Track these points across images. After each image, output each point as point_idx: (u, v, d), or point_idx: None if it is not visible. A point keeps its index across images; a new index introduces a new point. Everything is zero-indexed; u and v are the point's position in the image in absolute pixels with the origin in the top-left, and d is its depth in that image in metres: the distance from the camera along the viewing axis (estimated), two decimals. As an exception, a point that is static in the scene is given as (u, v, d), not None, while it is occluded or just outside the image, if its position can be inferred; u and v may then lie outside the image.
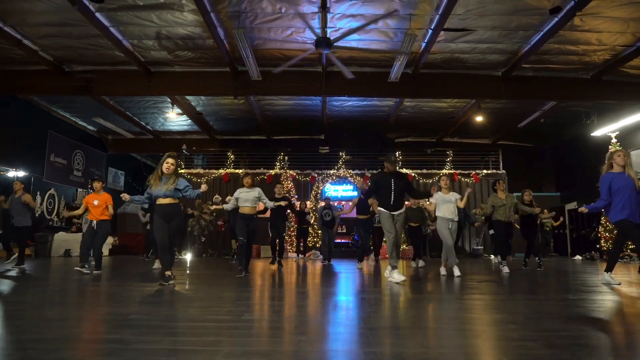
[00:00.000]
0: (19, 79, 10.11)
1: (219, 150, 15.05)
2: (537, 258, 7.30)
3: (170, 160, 4.72)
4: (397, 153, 13.70)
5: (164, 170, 4.66)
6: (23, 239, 7.42)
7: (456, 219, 6.23)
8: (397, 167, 13.53)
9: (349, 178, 13.31)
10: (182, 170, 14.06)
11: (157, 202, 4.68)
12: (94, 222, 6.41)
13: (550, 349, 1.91)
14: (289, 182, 13.44)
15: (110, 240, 11.08)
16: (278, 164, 13.93)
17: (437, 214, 6.24)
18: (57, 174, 12.86)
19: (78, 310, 3.07)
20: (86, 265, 6.13)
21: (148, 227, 8.98)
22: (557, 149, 15.45)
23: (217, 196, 11.29)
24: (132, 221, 13.96)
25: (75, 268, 6.13)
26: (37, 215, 12.16)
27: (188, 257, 10.73)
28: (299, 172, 13.75)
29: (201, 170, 14.42)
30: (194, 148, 14.49)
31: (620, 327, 2.50)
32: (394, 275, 5.03)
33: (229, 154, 14.25)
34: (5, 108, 10.95)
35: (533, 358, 1.78)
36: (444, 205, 6.17)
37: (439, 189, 6.29)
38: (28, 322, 2.54)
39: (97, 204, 6.38)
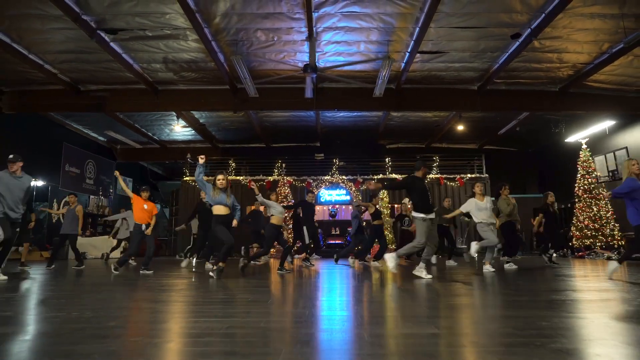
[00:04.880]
0: (38, 98, 11.15)
1: (221, 158, 16.02)
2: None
3: (221, 176, 6.10)
4: (387, 159, 14.61)
5: (219, 185, 6.05)
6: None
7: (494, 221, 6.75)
8: (388, 173, 14.55)
9: (341, 184, 14.27)
10: (187, 178, 15.04)
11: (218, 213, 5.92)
12: (143, 225, 7.04)
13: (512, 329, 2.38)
14: (286, 187, 14.36)
15: (123, 244, 12.06)
16: (276, 170, 14.88)
17: (477, 221, 6.57)
18: (71, 183, 13.87)
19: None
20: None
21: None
22: (539, 153, 16.34)
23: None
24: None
25: (142, 272, 6.68)
26: (53, 221, 13.24)
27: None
28: (295, 178, 14.69)
29: (205, 177, 15.34)
30: (197, 156, 15.46)
31: (574, 314, 2.85)
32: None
33: (230, 161, 15.20)
34: (25, 123, 12.00)
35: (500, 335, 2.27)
36: (482, 212, 6.56)
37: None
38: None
39: (147, 208, 7.11)
